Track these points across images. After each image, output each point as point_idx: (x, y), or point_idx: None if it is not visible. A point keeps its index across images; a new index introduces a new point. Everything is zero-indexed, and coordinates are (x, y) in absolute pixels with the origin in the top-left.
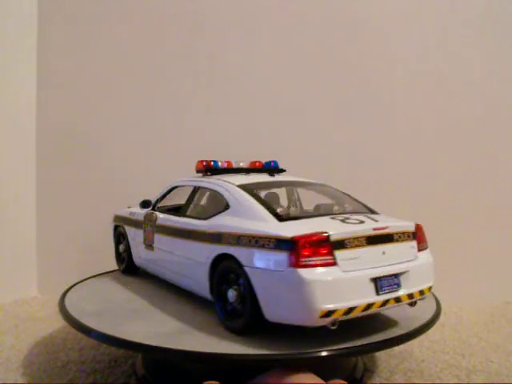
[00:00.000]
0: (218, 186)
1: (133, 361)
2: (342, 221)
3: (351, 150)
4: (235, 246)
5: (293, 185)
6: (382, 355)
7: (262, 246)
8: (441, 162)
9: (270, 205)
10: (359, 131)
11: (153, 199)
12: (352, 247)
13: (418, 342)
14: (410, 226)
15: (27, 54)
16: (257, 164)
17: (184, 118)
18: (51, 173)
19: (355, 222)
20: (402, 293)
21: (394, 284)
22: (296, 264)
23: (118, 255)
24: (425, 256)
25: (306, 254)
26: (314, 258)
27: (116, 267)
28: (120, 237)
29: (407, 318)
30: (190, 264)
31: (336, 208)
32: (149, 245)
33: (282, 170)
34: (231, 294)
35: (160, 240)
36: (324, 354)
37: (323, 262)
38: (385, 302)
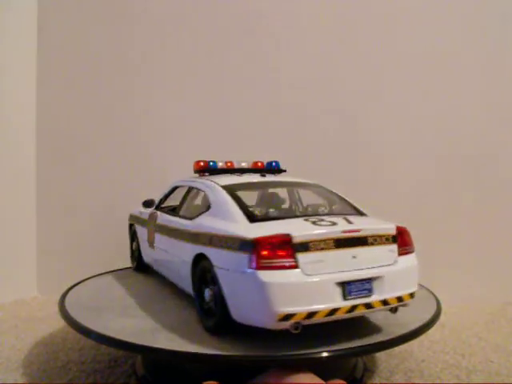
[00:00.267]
0: (205, 186)
1: (133, 361)
2: (314, 223)
3: (351, 150)
4: (208, 246)
5: (282, 185)
6: (381, 355)
7: (229, 247)
8: (442, 162)
9: (245, 206)
10: (359, 131)
11: (156, 199)
12: (317, 250)
13: (418, 342)
14: (389, 229)
15: (27, 54)
16: (259, 164)
17: (184, 118)
18: (51, 173)
19: (327, 224)
20: (374, 299)
21: (365, 289)
22: (255, 266)
23: (132, 253)
24: (407, 260)
25: (265, 255)
26: (274, 260)
27: (116, 267)
28: (133, 235)
29: (407, 317)
30: (178, 262)
31: (319, 209)
32: (151, 243)
33: (283, 171)
34: (207, 293)
35: (159, 239)
36: (324, 354)
37: (284, 264)
38: (353, 308)
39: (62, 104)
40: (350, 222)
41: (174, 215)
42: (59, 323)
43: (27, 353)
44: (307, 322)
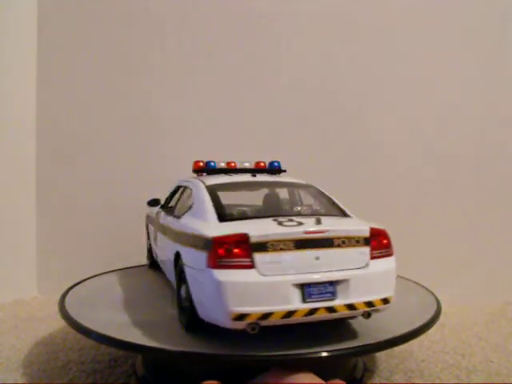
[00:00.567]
0: (193, 185)
1: (133, 361)
2: (280, 223)
3: (351, 150)
4: (181, 245)
5: (270, 185)
6: (382, 355)
7: (196, 246)
8: (442, 162)
9: (220, 205)
10: (359, 131)
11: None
12: (275, 250)
13: (418, 341)
14: (362, 231)
15: (27, 54)
16: (261, 164)
17: (184, 118)
18: (51, 173)
19: (293, 224)
20: (337, 303)
21: (328, 292)
22: (212, 264)
23: (147, 251)
24: (381, 264)
25: (222, 254)
26: (229, 260)
27: (115, 267)
28: (148, 234)
29: (407, 317)
30: (168, 260)
31: (298, 209)
32: (155, 241)
33: (283, 171)
34: (182, 291)
35: (159, 237)
36: (324, 354)
37: (240, 264)
38: (313, 311)
39: (61, 104)
40: (318, 223)
41: (169, 214)
42: (59, 323)
43: (27, 353)
44: (264, 323)
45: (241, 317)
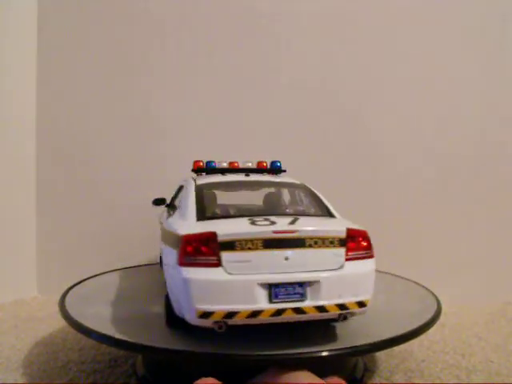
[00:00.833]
0: (186, 185)
1: (133, 361)
2: (253, 222)
3: (351, 150)
4: (163, 243)
5: (262, 185)
6: (381, 355)
7: (171, 244)
8: (442, 162)
9: (202, 205)
10: (359, 131)
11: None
12: (243, 249)
13: (418, 341)
14: (337, 232)
15: (27, 54)
16: (264, 164)
17: (184, 118)
18: (51, 173)
19: (265, 223)
20: (306, 304)
21: (296, 293)
22: (181, 262)
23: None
24: (357, 266)
25: (189, 252)
26: (197, 258)
27: (115, 267)
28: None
29: (407, 317)
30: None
31: (282, 209)
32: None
33: (282, 171)
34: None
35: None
36: (324, 353)
37: (206, 262)
38: (280, 312)
39: (61, 104)
40: (292, 223)
41: (168, 213)
42: (59, 323)
43: (27, 353)
44: (231, 322)
45: (206, 315)
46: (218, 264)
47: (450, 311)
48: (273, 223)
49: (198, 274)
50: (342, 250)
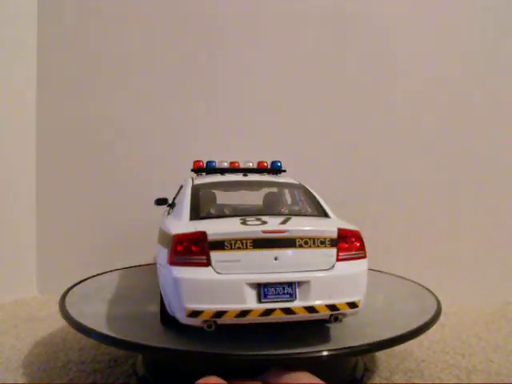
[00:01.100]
0: (184, 185)
1: (133, 361)
2: (244, 222)
3: (351, 150)
4: (158, 242)
5: (259, 185)
6: (382, 355)
7: (163, 243)
8: (442, 161)
9: (197, 204)
10: (359, 131)
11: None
12: (232, 249)
13: (418, 341)
14: (328, 232)
15: (27, 54)
16: (264, 164)
17: (185, 118)
18: (51, 172)
19: (256, 223)
20: (295, 304)
21: (285, 293)
22: (171, 261)
23: None
24: (349, 266)
25: (179, 251)
26: (186, 257)
27: (115, 267)
28: None
29: (407, 317)
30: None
31: (278, 209)
32: None
33: (282, 171)
34: None
35: None
36: (324, 353)
37: (195, 261)
38: (268, 312)
39: (62, 104)
40: (282, 223)
41: (168, 213)
42: (59, 323)
43: (27, 353)
44: (220, 321)
45: (195, 313)
46: (208, 263)
47: (450, 311)
48: (264, 223)
49: (187, 274)
50: (334, 251)
